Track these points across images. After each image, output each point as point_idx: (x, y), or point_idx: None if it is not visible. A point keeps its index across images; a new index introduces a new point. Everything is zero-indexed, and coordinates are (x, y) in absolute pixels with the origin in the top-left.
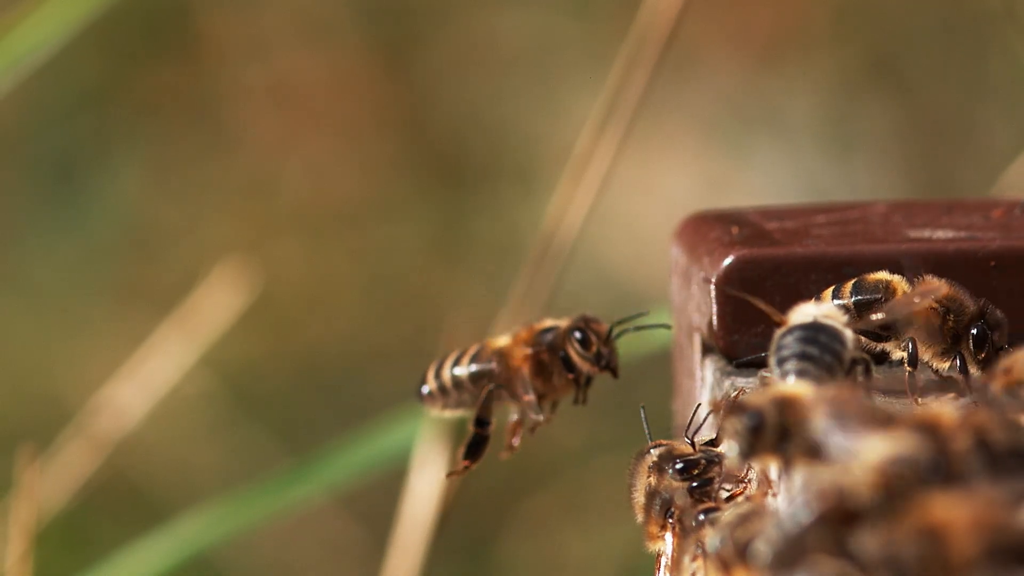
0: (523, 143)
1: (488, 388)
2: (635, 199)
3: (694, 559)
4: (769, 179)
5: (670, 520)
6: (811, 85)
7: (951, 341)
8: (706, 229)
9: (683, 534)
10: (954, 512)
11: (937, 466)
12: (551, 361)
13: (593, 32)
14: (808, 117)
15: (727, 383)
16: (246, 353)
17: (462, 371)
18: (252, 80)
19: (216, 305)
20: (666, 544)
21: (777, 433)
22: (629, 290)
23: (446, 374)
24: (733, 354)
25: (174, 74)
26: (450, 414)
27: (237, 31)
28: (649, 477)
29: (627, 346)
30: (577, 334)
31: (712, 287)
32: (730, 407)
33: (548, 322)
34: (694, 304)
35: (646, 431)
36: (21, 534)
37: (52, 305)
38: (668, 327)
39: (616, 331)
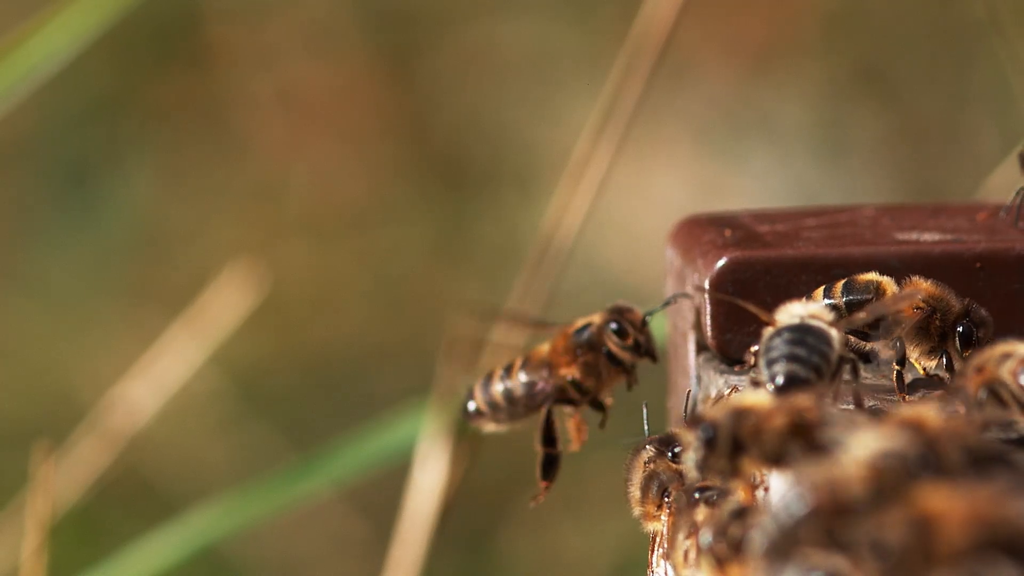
0: (523, 148)
1: (547, 408)
2: (631, 202)
3: (688, 537)
4: (761, 183)
5: (667, 500)
6: (802, 92)
7: (938, 340)
8: (700, 232)
9: (678, 513)
10: (950, 504)
11: (926, 461)
12: (596, 360)
13: (591, 41)
14: (799, 123)
15: (721, 381)
16: (254, 352)
17: (513, 383)
18: (260, 88)
19: (225, 305)
20: (662, 524)
21: (732, 444)
22: (625, 291)
23: (496, 389)
24: (726, 353)
25: (184, 82)
26: (501, 428)
27: (245, 40)
28: (649, 461)
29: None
30: (613, 326)
31: (706, 287)
32: (689, 420)
33: (580, 321)
34: (688, 304)
35: (645, 427)
36: (36, 527)
37: (66, 305)
38: (689, 296)
39: (649, 318)
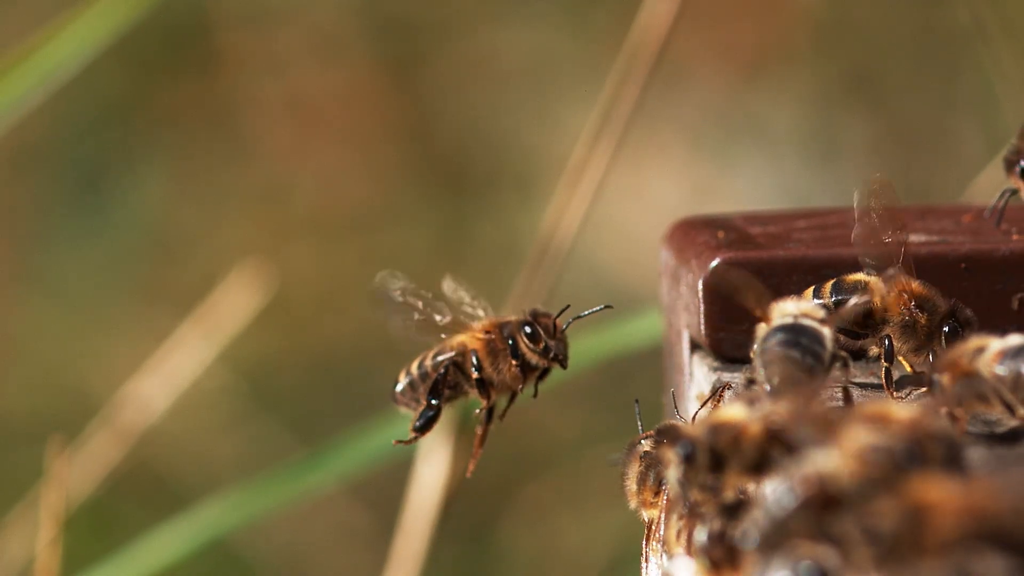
0: (522, 153)
1: (444, 364)
2: (627, 205)
3: (680, 518)
4: (753, 186)
5: (664, 488)
6: (793, 97)
7: (924, 338)
8: (694, 233)
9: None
10: (945, 495)
11: (913, 454)
12: (502, 347)
13: (588, 48)
14: (790, 128)
15: (714, 378)
16: (262, 350)
17: (428, 362)
18: (268, 93)
19: (234, 305)
20: (659, 510)
21: (711, 458)
22: (621, 291)
23: (414, 369)
24: (719, 350)
25: (194, 88)
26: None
27: (254, 47)
28: (647, 454)
29: (620, 344)
30: (527, 328)
31: (700, 286)
32: (670, 438)
33: (507, 317)
34: (683, 304)
35: (639, 424)
36: (51, 520)
37: (80, 305)
38: (611, 307)
39: (563, 324)
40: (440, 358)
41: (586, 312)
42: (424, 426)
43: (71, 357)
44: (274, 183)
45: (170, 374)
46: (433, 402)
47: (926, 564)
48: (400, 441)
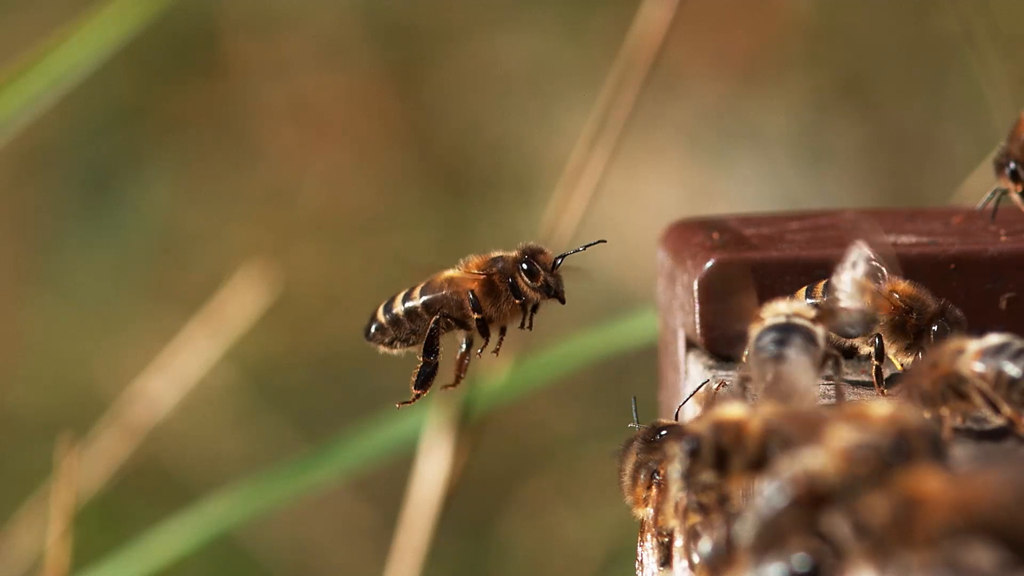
0: (521, 156)
1: (435, 317)
2: (624, 207)
3: (679, 493)
4: (747, 189)
5: (656, 482)
6: (786, 102)
7: (914, 337)
8: (689, 235)
9: (666, 489)
10: (938, 488)
11: (900, 449)
12: (501, 285)
13: (585, 54)
14: (783, 132)
15: (709, 376)
16: (268, 349)
17: (415, 302)
18: (273, 98)
19: (240, 305)
20: (652, 504)
21: (715, 454)
22: (618, 291)
23: (398, 307)
24: (714, 349)
25: (201, 92)
26: (397, 350)
27: (260, 53)
28: (638, 452)
29: (617, 343)
30: (524, 265)
31: (695, 286)
32: (674, 433)
33: (498, 252)
34: (678, 303)
35: (635, 420)
36: (61, 515)
37: (89, 305)
38: (604, 241)
39: (560, 261)
40: (428, 299)
41: (581, 247)
42: (425, 383)
43: (80, 356)
44: (279, 186)
45: (177, 372)
46: (431, 358)
47: (916, 557)
48: (404, 402)
